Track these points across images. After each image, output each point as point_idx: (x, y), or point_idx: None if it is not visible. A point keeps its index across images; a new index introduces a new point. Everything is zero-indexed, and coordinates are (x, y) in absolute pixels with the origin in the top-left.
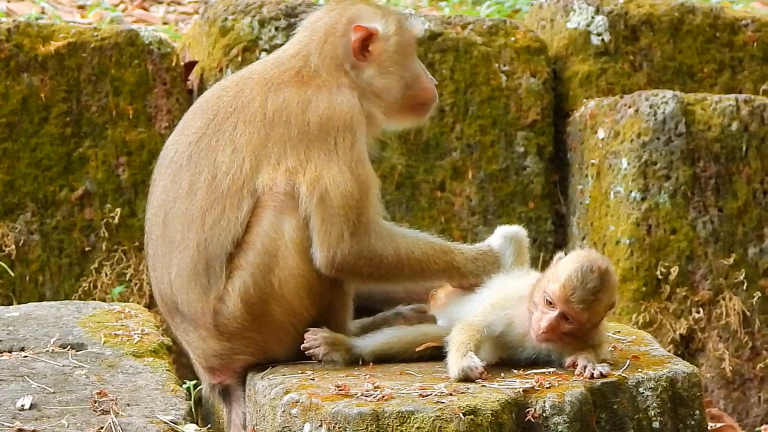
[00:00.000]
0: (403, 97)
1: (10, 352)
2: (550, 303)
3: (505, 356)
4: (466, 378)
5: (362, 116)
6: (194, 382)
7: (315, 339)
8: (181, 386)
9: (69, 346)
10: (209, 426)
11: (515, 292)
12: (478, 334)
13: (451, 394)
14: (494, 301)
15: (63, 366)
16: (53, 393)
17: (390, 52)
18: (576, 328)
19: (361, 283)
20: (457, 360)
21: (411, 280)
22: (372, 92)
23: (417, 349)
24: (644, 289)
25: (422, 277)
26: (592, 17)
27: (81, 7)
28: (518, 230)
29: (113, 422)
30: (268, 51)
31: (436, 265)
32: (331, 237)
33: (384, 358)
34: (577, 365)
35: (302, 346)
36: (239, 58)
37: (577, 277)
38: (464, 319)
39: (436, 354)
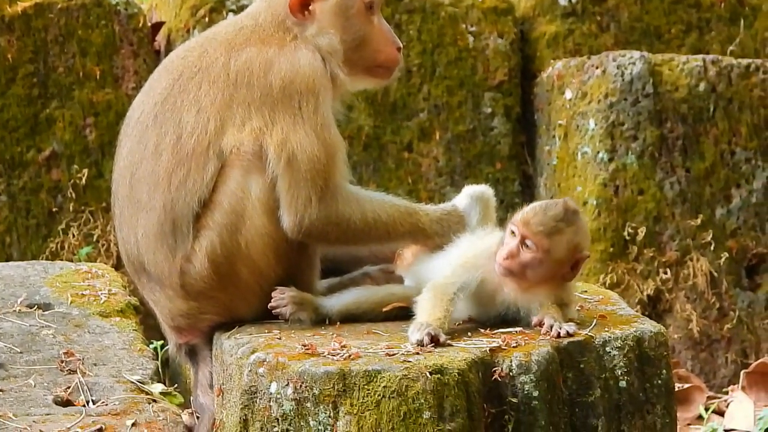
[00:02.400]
0: (351, 59)
1: None
2: (513, 233)
3: (474, 315)
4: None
5: (326, 78)
6: (161, 342)
7: (282, 298)
8: (148, 346)
9: (36, 306)
10: (176, 386)
11: (485, 250)
12: (451, 304)
13: (417, 354)
14: (464, 260)
15: (30, 326)
16: (20, 353)
17: (327, 12)
18: (537, 259)
19: (328, 246)
20: (418, 328)
21: (378, 243)
22: (325, 50)
23: (384, 309)
24: (611, 249)
25: (388, 239)
26: None
27: None
28: (485, 189)
29: (80, 382)
30: (236, 12)
31: (402, 228)
32: (298, 202)
33: (351, 318)
34: (543, 324)
35: (269, 305)
36: (206, 19)
37: (540, 205)
38: (435, 280)
39: (403, 314)
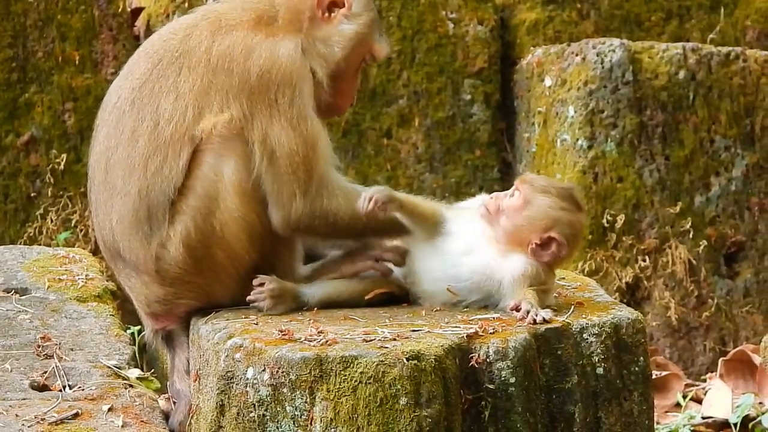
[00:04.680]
0: (327, 83)
1: None
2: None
3: (452, 281)
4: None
5: (304, 70)
6: (138, 327)
7: (261, 292)
8: (125, 331)
9: (13, 291)
10: (153, 371)
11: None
12: (422, 204)
13: (394, 339)
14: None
15: (7, 311)
16: None
17: (345, 31)
18: (513, 207)
19: (320, 240)
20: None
21: (376, 235)
22: (317, 52)
23: (366, 298)
24: (590, 237)
25: (387, 233)
26: None
27: None
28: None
29: (57, 366)
30: None
31: (397, 223)
32: (283, 197)
33: (331, 306)
34: (520, 309)
35: (248, 298)
36: (186, 4)
37: (546, 177)
38: None
39: (384, 300)
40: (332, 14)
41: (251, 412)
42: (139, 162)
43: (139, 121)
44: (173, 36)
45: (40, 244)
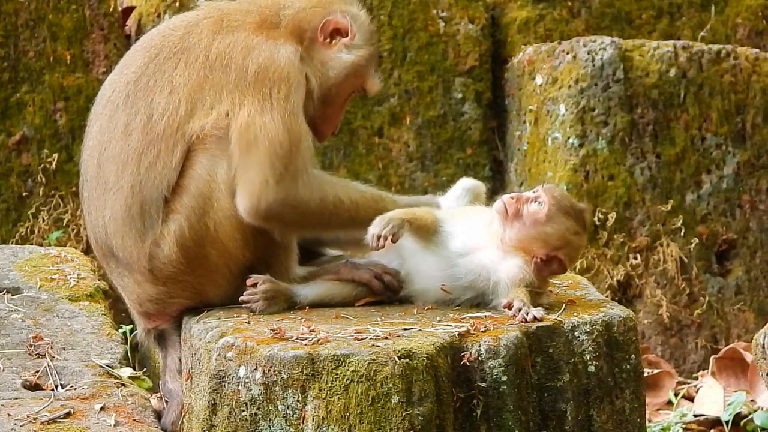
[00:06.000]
0: (316, 102)
1: None
2: (532, 192)
3: (447, 282)
4: (374, 238)
5: (301, 75)
6: (130, 326)
7: (254, 293)
8: (117, 330)
9: (5, 290)
10: (145, 370)
11: (480, 211)
12: (424, 217)
13: (386, 338)
14: (458, 210)
15: None
16: None
17: (344, 60)
18: (534, 218)
19: (289, 232)
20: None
21: (341, 229)
22: (312, 68)
23: (357, 304)
24: None
25: (352, 225)
26: None
27: None
28: (479, 184)
29: (49, 366)
30: None
31: (365, 213)
32: (254, 184)
33: (323, 307)
34: (512, 307)
35: (240, 299)
36: (177, 4)
37: (566, 192)
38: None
39: (374, 302)
40: (333, 41)
41: (243, 411)
42: (133, 156)
43: (132, 114)
44: (173, 32)
45: (31, 244)
